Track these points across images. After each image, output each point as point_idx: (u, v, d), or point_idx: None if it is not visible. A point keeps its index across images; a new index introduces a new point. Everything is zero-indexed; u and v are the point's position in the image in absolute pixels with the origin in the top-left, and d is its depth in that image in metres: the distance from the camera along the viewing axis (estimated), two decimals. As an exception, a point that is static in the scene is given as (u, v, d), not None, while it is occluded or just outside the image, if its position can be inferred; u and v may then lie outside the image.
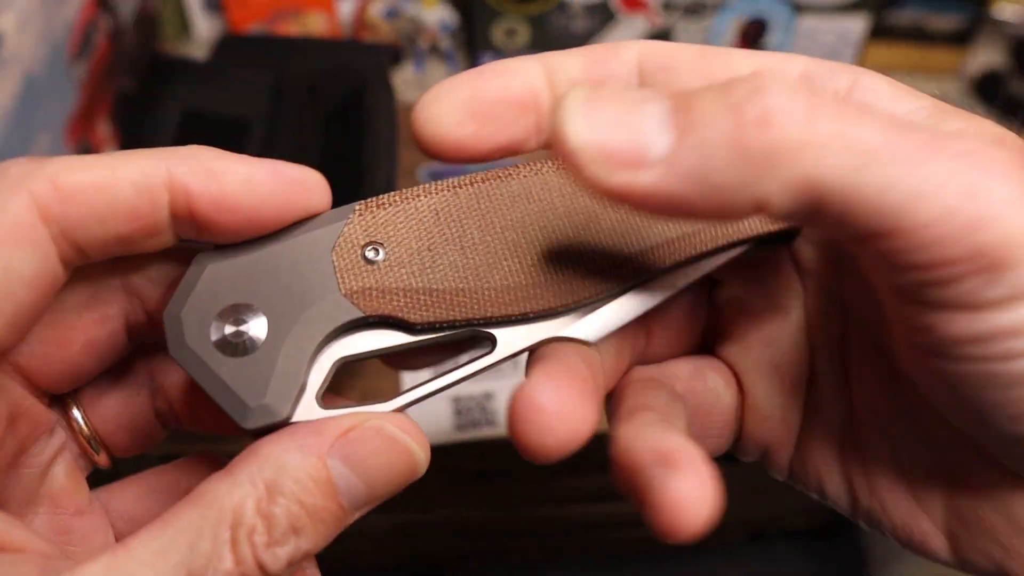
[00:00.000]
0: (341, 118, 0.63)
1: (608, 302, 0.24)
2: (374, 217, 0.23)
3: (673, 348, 0.28)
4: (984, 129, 0.22)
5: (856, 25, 0.82)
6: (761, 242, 0.25)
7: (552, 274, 0.23)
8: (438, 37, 0.85)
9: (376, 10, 0.84)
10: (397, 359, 0.25)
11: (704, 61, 0.24)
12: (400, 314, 0.23)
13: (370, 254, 0.23)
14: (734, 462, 0.29)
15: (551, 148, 0.25)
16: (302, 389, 0.22)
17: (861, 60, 0.84)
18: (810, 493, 0.27)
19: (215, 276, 0.22)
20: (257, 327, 0.22)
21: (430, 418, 0.59)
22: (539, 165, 0.24)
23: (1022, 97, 0.82)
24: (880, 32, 0.84)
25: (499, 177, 0.24)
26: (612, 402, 0.26)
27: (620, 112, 0.19)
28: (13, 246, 0.21)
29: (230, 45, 0.75)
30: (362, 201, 0.24)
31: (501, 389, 0.62)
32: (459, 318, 0.23)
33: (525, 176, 0.24)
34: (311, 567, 0.24)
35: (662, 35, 0.82)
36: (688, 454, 0.22)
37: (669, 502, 0.21)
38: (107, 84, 0.68)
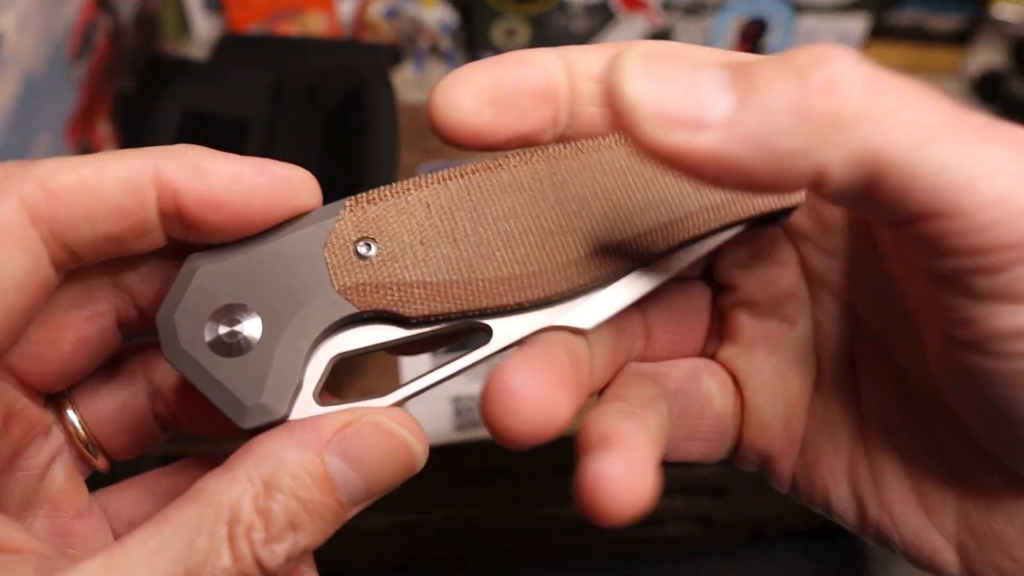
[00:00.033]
0: (341, 118, 0.63)
1: (603, 289, 0.24)
2: (365, 212, 0.23)
3: (672, 351, 0.28)
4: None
5: (856, 25, 0.82)
6: (753, 224, 0.25)
7: (545, 263, 0.23)
8: (438, 37, 0.85)
9: (376, 10, 0.84)
10: (395, 348, 0.25)
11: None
12: (395, 308, 0.23)
13: (362, 249, 0.23)
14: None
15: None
16: (298, 387, 0.22)
17: (861, 60, 0.84)
18: (814, 507, 0.27)
19: (207, 277, 0.22)
20: (251, 327, 0.22)
21: (430, 418, 0.59)
22: (528, 154, 0.24)
23: (1022, 97, 0.82)
24: (880, 32, 0.84)
25: (489, 168, 0.24)
26: (601, 394, 0.26)
27: (679, 73, 0.18)
28: (2, 248, 0.20)
29: (230, 45, 0.75)
30: (352, 197, 0.24)
31: (501, 389, 0.62)
32: (454, 310, 0.23)
33: (515, 166, 0.24)
34: (308, 569, 0.24)
35: (662, 35, 0.82)
36: (627, 440, 0.22)
37: (591, 480, 0.21)
38: (107, 84, 0.68)
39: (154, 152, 0.22)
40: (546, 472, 0.67)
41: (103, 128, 0.68)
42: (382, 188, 0.24)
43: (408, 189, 0.24)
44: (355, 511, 0.22)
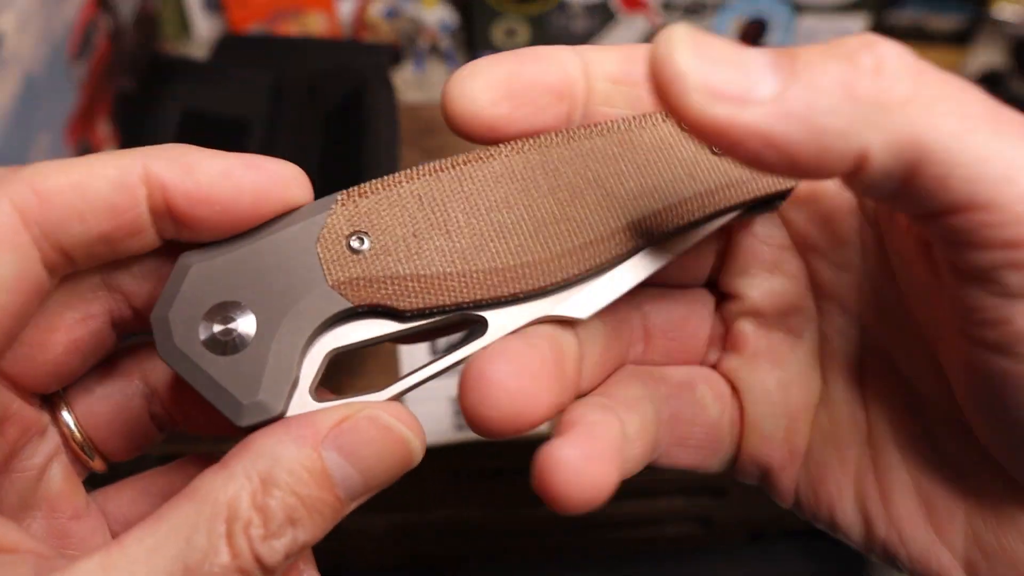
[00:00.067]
0: (341, 118, 0.63)
1: (598, 277, 0.24)
2: (357, 206, 0.23)
3: (672, 357, 0.28)
4: None
5: (856, 25, 0.82)
6: (748, 209, 0.25)
7: (540, 253, 0.23)
8: (438, 37, 0.85)
9: (376, 10, 0.84)
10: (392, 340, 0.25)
11: None
12: (389, 302, 0.23)
13: (355, 244, 0.23)
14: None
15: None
16: (295, 384, 0.22)
17: (861, 60, 0.84)
18: (818, 523, 0.27)
19: (200, 275, 0.22)
20: (246, 324, 0.22)
21: (430, 418, 0.59)
22: (520, 143, 0.24)
23: (1022, 97, 0.82)
24: (880, 32, 0.83)
25: (480, 158, 0.24)
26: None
27: (726, 52, 0.18)
28: None
29: (230, 45, 0.74)
30: (344, 191, 0.24)
31: (501, 389, 0.62)
32: (449, 303, 0.23)
33: (507, 156, 0.24)
34: (309, 568, 0.24)
35: (662, 35, 0.82)
36: (590, 428, 0.22)
37: (543, 461, 0.21)
38: (107, 84, 0.68)
39: (143, 151, 0.22)
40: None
41: (103, 128, 0.68)
42: (374, 181, 0.24)
43: (400, 182, 0.24)
44: (353, 506, 0.22)
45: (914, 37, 0.85)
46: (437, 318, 0.23)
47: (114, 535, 0.25)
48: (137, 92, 0.70)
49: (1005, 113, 0.18)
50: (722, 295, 0.28)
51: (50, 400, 0.25)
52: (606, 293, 0.24)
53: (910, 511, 0.24)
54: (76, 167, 0.21)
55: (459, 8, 0.85)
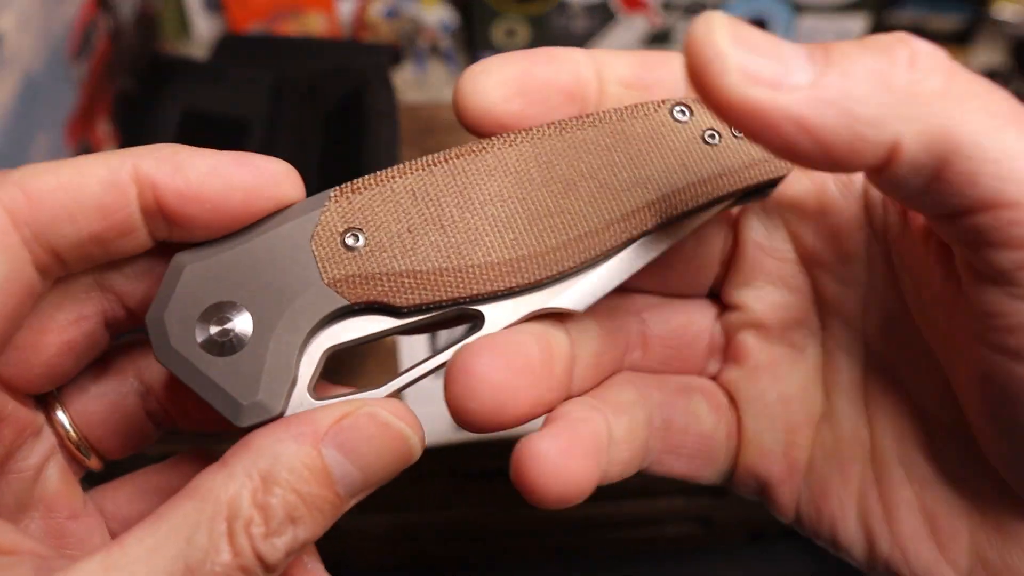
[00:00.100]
0: (341, 118, 0.63)
1: (592, 269, 0.24)
2: (350, 202, 0.23)
3: (669, 365, 0.27)
4: None
5: (856, 25, 0.82)
6: (740, 198, 0.25)
7: (535, 246, 0.23)
8: (438, 37, 0.85)
9: (376, 10, 0.84)
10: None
11: None
12: (385, 299, 0.23)
13: (350, 241, 0.23)
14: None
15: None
16: (293, 383, 0.22)
17: (861, 60, 0.84)
18: (819, 540, 0.26)
19: (194, 275, 0.22)
20: (242, 324, 0.22)
21: (430, 418, 0.59)
22: (512, 136, 0.24)
23: (1022, 97, 0.82)
24: (880, 32, 0.84)
25: (473, 152, 0.24)
26: None
27: (763, 40, 0.18)
28: None
29: (230, 45, 0.74)
30: (336, 187, 0.23)
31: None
32: (445, 298, 0.23)
33: (499, 148, 0.24)
34: (314, 561, 0.24)
35: (662, 35, 0.81)
36: (572, 425, 0.22)
37: (520, 453, 0.21)
38: (107, 84, 0.68)
39: (133, 151, 0.22)
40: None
41: (103, 128, 0.68)
42: (366, 177, 0.24)
43: (392, 177, 0.24)
44: (352, 503, 0.22)
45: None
46: (433, 313, 0.23)
47: (112, 534, 0.25)
48: (137, 92, 0.70)
49: None
50: (724, 306, 0.28)
51: (44, 400, 0.25)
52: (602, 285, 0.24)
53: (914, 529, 0.24)
54: (65, 168, 0.21)
55: (459, 8, 0.85)
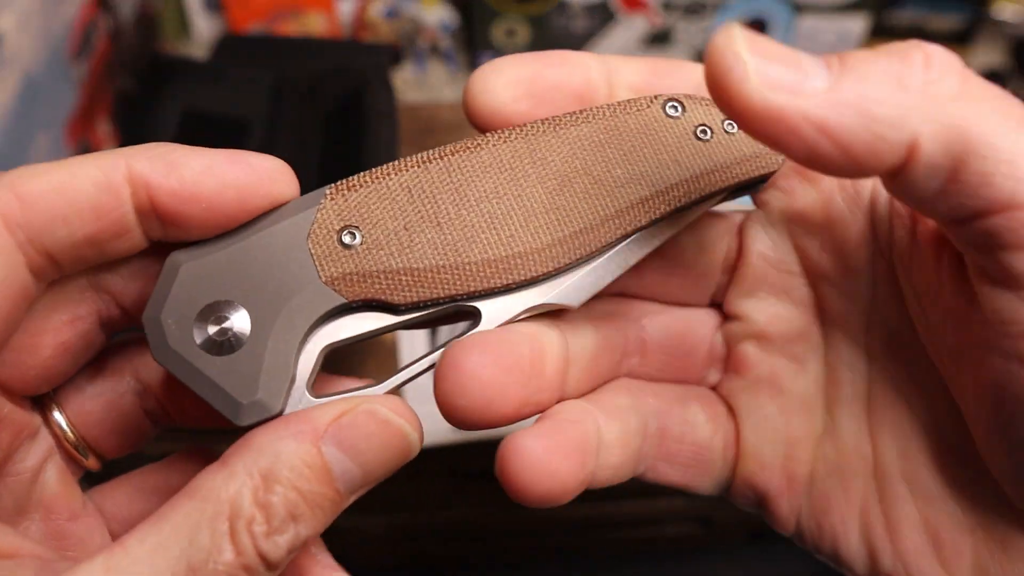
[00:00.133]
0: (341, 118, 0.63)
1: (588, 265, 0.24)
2: (346, 200, 0.23)
3: (668, 372, 0.27)
4: None
5: (856, 25, 0.82)
6: (733, 192, 0.25)
7: (530, 243, 0.23)
8: (438, 37, 0.85)
9: (376, 10, 0.84)
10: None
11: None
12: (383, 296, 0.23)
13: (347, 239, 0.23)
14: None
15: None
16: (292, 381, 0.22)
17: (861, 60, 0.84)
18: (820, 555, 0.26)
19: (190, 274, 0.22)
20: (240, 323, 0.22)
21: (430, 418, 0.59)
22: (507, 132, 0.24)
23: (1022, 97, 0.82)
24: (880, 32, 0.84)
25: (468, 148, 0.24)
26: None
27: (780, 51, 0.19)
28: None
29: (230, 45, 0.74)
30: (332, 184, 0.23)
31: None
32: (442, 295, 0.23)
33: (494, 145, 0.24)
34: (320, 551, 0.24)
35: (662, 35, 0.82)
36: (560, 425, 0.22)
37: (504, 447, 0.21)
38: (107, 84, 0.68)
39: (126, 151, 0.22)
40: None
41: (103, 128, 0.68)
42: (362, 174, 0.24)
43: (388, 174, 0.24)
44: (352, 499, 0.22)
45: (914, 37, 0.84)
46: (431, 310, 0.23)
47: (112, 533, 0.25)
48: (137, 92, 0.70)
49: None
50: (726, 315, 0.27)
51: (41, 401, 0.25)
52: (597, 281, 0.24)
53: (917, 545, 0.24)
54: (58, 170, 0.21)
55: (459, 8, 0.85)
